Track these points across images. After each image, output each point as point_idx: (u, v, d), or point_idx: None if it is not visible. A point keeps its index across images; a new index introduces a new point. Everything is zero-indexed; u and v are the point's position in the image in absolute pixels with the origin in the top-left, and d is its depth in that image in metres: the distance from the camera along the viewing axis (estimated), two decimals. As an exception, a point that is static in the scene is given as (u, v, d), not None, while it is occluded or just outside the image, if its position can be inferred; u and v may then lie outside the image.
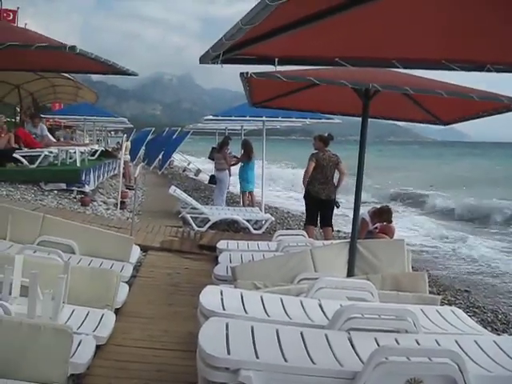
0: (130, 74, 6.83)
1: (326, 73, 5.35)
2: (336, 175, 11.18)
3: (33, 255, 6.47)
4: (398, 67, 3.97)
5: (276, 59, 4.06)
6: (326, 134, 11.26)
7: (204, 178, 28.06)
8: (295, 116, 13.79)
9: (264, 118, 14.06)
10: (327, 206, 11.08)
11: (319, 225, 11.30)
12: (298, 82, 5.86)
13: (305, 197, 11.38)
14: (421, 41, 3.62)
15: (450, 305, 7.92)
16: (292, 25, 3.08)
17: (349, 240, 6.88)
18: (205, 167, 31.79)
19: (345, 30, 3.45)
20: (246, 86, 6.34)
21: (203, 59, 3.59)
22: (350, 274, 6.62)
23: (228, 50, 3.43)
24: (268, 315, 4.67)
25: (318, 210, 11.11)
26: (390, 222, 10.63)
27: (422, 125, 8.64)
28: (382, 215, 10.52)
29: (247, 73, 5.46)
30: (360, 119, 6.48)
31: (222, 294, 4.98)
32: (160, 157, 32.12)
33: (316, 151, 11.13)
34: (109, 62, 6.02)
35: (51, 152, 16.21)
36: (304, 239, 8.49)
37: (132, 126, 35.34)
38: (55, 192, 14.30)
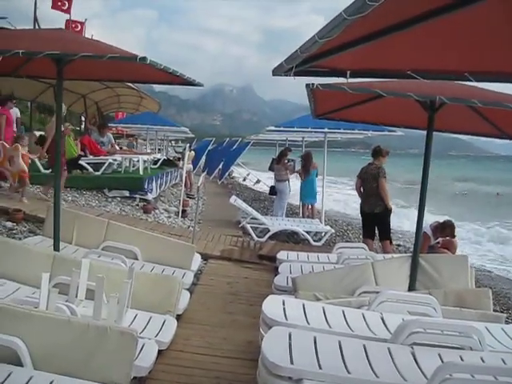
0: (195, 85, 6.96)
1: (391, 85, 5.31)
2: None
3: (98, 260, 6.61)
4: (471, 80, 3.90)
5: (348, 72, 4.05)
6: (373, 147, 11.19)
7: (264, 188, 28.10)
8: (357, 128, 13.68)
9: (326, 130, 13.99)
10: (375, 219, 10.84)
11: (378, 238, 11.12)
12: (363, 94, 5.83)
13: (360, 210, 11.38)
14: (496, 54, 3.54)
15: (515, 324, 7.70)
16: (367, 37, 3.07)
17: (410, 254, 6.80)
18: (264, 178, 31.82)
19: (418, 42, 3.41)
20: (311, 98, 6.34)
21: (276, 71, 3.61)
22: (412, 288, 6.54)
23: (301, 63, 3.43)
24: (330, 326, 4.65)
25: (370, 223, 10.96)
26: (453, 236, 10.41)
27: (484, 138, 8.45)
28: (445, 230, 10.32)
29: (313, 84, 5.45)
30: (422, 132, 6.40)
31: (284, 303, 4.99)
32: (220, 167, 32.31)
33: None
34: (176, 72, 6.13)
35: (115, 160, 16.49)
36: (365, 252, 8.43)
37: (193, 135, 35.56)
38: (118, 199, 14.56)
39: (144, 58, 5.27)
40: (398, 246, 14.73)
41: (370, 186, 10.81)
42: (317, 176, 16.46)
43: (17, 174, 11.59)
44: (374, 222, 10.86)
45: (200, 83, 6.94)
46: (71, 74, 6.69)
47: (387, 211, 10.75)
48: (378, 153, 11.01)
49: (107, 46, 5.98)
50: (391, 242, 11.24)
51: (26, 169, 11.72)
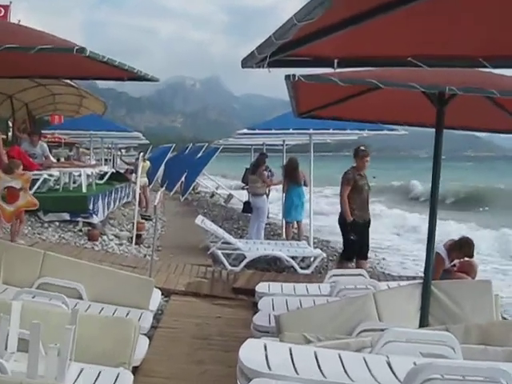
0: (149, 80, 6.92)
1: (390, 74, 5.33)
2: None
3: (32, 301, 6.53)
4: (486, 67, 3.92)
5: (335, 60, 4.05)
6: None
7: (238, 205, 28.10)
8: (350, 128, 13.77)
9: (311, 131, 14.07)
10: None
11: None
12: (356, 85, 5.86)
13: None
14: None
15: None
16: (357, 17, 3.07)
17: (421, 281, 6.81)
18: (237, 192, 31.81)
19: (420, 23, 3.42)
20: (292, 93, 6.35)
21: (246, 62, 3.61)
22: (424, 323, 6.54)
23: (277, 51, 3.43)
24: (324, 376, 4.62)
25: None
26: (471, 256, 10.44)
27: (504, 135, 8.52)
28: (462, 249, 10.32)
29: (294, 76, 5.43)
30: (430, 130, 6.44)
31: (266, 348, 4.95)
32: (182, 179, 32.27)
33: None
34: (124, 65, 6.10)
35: (51, 175, 16.32)
36: (364, 280, 8.42)
37: (147, 141, 35.47)
38: (57, 224, 14.52)
39: (82, 49, 5.22)
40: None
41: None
42: (305, 185, 16.40)
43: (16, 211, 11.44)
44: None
45: (154, 78, 6.90)
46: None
47: (345, 224, 11.51)
48: (354, 155, 11.85)
49: (38, 33, 5.95)
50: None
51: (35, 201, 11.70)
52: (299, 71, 5.24)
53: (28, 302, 5.98)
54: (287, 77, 5.56)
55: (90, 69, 6.71)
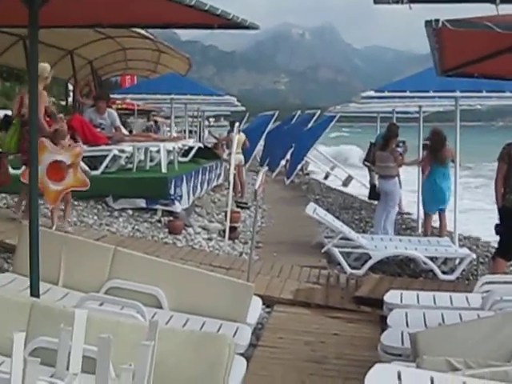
0: (246, 28, 6.90)
1: None
2: None
3: (99, 309, 6.63)
4: None
5: None
6: None
7: (358, 190, 27.95)
8: (510, 89, 13.43)
9: (458, 94, 13.78)
10: None
11: None
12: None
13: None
14: None
15: None
16: None
17: None
18: (358, 173, 31.60)
19: None
20: (435, 43, 6.22)
21: (381, -3, 3.55)
22: None
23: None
24: (478, 415, 4.54)
25: None
26: None
27: None
28: None
29: (437, 21, 5.30)
30: None
31: (399, 377, 4.89)
32: (288, 157, 32.26)
33: None
34: (216, 10, 6.07)
35: (123, 151, 16.63)
36: (528, 289, 8.26)
37: (243, 108, 35.25)
38: (129, 212, 14.78)
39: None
40: None
41: None
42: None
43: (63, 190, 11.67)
44: None
45: (254, 24, 6.87)
46: (51, 19, 6.70)
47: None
48: None
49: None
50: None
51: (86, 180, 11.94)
52: (445, 10, 5.12)
53: (95, 311, 6.07)
54: (428, 22, 5.39)
55: (171, 15, 6.74)
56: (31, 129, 6.91)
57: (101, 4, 6.60)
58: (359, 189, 28.58)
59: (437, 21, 5.30)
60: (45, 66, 12.04)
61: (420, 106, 18.42)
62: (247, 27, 6.81)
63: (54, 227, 11.71)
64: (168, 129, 33.50)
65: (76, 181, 11.65)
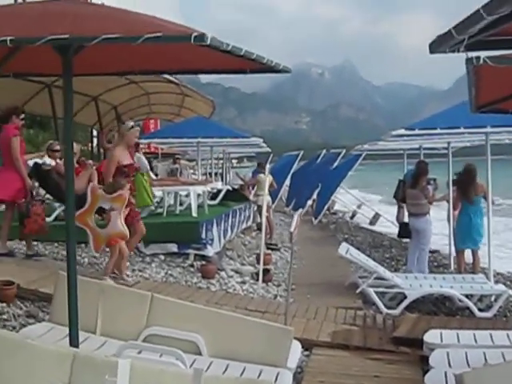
0: (279, 72, 6.83)
1: None
2: None
3: (139, 357, 6.56)
4: None
5: None
6: None
7: (388, 228, 27.82)
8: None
9: (488, 129, 13.69)
10: None
11: None
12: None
13: None
14: None
15: None
16: None
17: None
18: (385, 210, 31.50)
19: None
20: (473, 80, 6.18)
21: (438, 46, 3.52)
22: None
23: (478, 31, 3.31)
24: None
25: None
26: None
27: None
28: None
29: (478, 58, 5.25)
30: None
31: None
32: (314, 196, 32.21)
33: None
34: (251, 54, 6.01)
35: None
36: None
37: (269, 149, 35.08)
38: (161, 257, 14.72)
39: (202, 37, 5.13)
40: None
41: None
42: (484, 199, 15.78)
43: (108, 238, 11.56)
44: None
45: (287, 68, 6.79)
46: (83, 67, 6.68)
47: None
48: None
49: (138, 17, 5.89)
50: None
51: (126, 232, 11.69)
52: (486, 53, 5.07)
53: (136, 359, 5.99)
54: (469, 60, 5.36)
55: (199, 60, 6.67)
56: (67, 177, 6.88)
57: (135, 52, 6.54)
58: (387, 227, 28.49)
59: (478, 58, 5.26)
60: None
61: (449, 143, 18.31)
62: (279, 71, 6.75)
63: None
64: (192, 171, 33.54)
65: (117, 233, 11.50)
